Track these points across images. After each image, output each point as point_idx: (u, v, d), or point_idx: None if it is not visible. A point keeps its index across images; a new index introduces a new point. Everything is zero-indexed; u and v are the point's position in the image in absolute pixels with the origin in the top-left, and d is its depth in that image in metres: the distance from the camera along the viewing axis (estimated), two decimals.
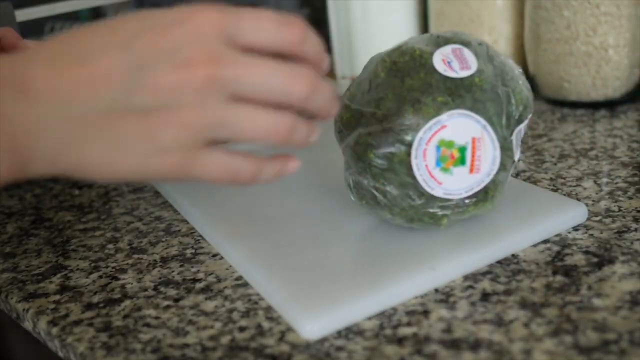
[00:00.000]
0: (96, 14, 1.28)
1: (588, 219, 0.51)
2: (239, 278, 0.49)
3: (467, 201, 0.47)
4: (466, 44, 0.48)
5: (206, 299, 0.47)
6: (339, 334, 0.42)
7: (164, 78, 0.31)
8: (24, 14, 0.74)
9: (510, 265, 0.47)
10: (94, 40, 0.31)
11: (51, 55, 0.31)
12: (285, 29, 0.34)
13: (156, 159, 0.33)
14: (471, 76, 0.46)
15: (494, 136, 0.46)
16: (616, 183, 0.57)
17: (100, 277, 0.52)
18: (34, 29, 1.17)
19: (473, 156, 0.45)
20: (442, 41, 0.48)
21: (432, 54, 0.46)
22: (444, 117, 0.44)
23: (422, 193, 0.46)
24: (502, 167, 0.47)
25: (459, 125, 0.45)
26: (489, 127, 0.45)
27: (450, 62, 0.46)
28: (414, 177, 0.45)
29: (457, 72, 0.46)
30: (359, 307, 0.43)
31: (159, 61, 0.31)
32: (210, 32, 0.32)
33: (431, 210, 0.46)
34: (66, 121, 0.31)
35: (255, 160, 0.36)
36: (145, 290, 0.49)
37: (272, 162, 0.38)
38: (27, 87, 0.30)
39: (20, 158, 0.31)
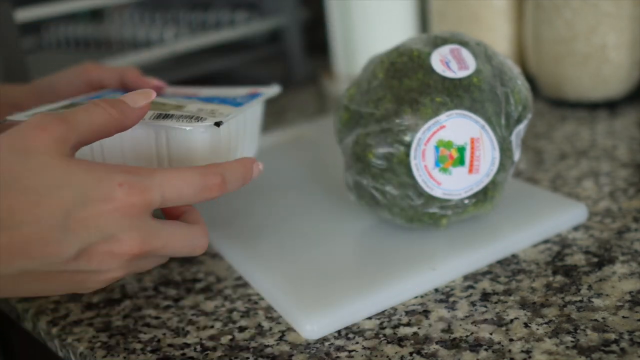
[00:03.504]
0: (96, 14, 1.28)
1: (588, 219, 0.52)
2: (239, 278, 0.49)
3: (466, 201, 0.47)
4: (464, 44, 0.48)
5: (206, 299, 0.47)
6: (339, 334, 0.42)
7: (100, 249, 0.35)
8: (23, 14, 0.74)
9: (510, 265, 0.47)
10: (27, 210, 0.34)
11: None
12: (206, 193, 0.38)
13: (84, 289, 0.38)
14: (469, 76, 0.46)
15: (492, 136, 0.46)
16: (616, 183, 0.57)
17: None
18: (34, 29, 1.17)
19: (472, 156, 0.45)
20: (440, 41, 0.48)
21: (430, 54, 0.47)
22: (443, 117, 0.44)
23: (422, 193, 0.46)
24: (502, 167, 0.47)
25: (458, 126, 0.45)
26: (487, 128, 0.45)
27: (448, 63, 0.46)
28: (413, 178, 0.45)
29: (455, 72, 0.46)
30: (359, 307, 0.43)
31: (93, 238, 0.35)
32: (138, 211, 0.36)
33: (431, 211, 0.47)
34: (4, 281, 0.35)
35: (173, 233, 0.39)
36: (145, 290, 0.49)
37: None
38: None
39: None
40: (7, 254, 0.34)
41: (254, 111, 0.52)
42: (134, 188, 0.36)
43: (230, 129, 0.46)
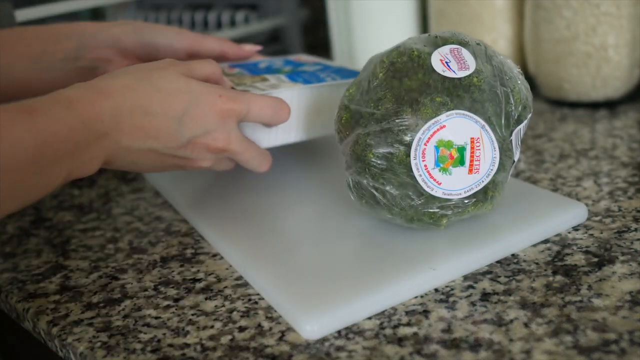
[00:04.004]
0: (96, 14, 1.28)
1: (588, 219, 0.51)
2: (239, 278, 0.49)
3: (466, 201, 0.47)
4: (464, 44, 0.48)
5: (206, 299, 0.47)
6: (339, 334, 0.42)
7: (201, 141, 0.50)
8: (24, 14, 0.74)
9: (510, 265, 0.47)
10: (159, 104, 0.48)
11: (131, 109, 0.47)
12: (279, 117, 0.54)
13: (181, 169, 0.53)
14: (469, 76, 0.46)
15: (492, 136, 0.46)
16: (616, 183, 0.57)
17: (100, 277, 0.52)
18: None
19: (472, 156, 0.45)
20: (440, 41, 0.48)
21: (430, 54, 0.46)
22: (443, 117, 0.44)
23: (422, 193, 0.46)
24: (502, 167, 0.47)
25: (458, 126, 0.45)
26: (487, 128, 0.45)
27: (448, 63, 0.46)
28: (413, 177, 0.45)
29: (456, 72, 0.46)
30: (359, 307, 0.43)
31: (199, 132, 0.50)
32: (229, 118, 0.51)
33: (431, 210, 0.47)
34: (137, 153, 0.48)
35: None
36: (145, 290, 0.49)
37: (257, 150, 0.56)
38: (120, 134, 0.46)
39: (105, 164, 0.48)
40: (144, 134, 0.47)
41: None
42: (229, 98, 0.50)
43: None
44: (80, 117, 0.44)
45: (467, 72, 0.46)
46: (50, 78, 0.61)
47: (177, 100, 0.48)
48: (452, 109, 0.45)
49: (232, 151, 0.52)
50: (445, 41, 0.48)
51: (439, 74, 0.46)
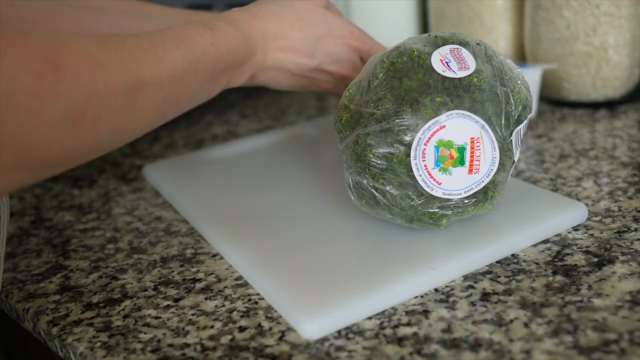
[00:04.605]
0: None
1: (588, 219, 0.51)
2: (239, 278, 0.49)
3: (466, 201, 0.47)
4: (464, 44, 0.48)
5: (206, 299, 0.47)
6: (339, 334, 0.42)
7: (329, 67, 0.59)
8: None
9: (510, 265, 0.47)
10: (298, 30, 0.56)
11: (274, 32, 0.55)
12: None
13: (314, 88, 0.62)
14: (469, 76, 0.46)
15: (492, 136, 0.46)
16: (616, 183, 0.57)
17: (100, 277, 0.52)
18: None
19: (472, 156, 0.45)
20: (440, 41, 0.48)
21: (430, 54, 0.47)
22: (443, 117, 0.44)
23: (422, 193, 0.46)
24: (502, 167, 0.47)
25: (458, 126, 0.45)
26: (487, 128, 0.45)
27: (448, 63, 0.46)
28: (413, 177, 0.45)
29: (456, 72, 0.46)
30: (359, 307, 0.43)
31: (328, 58, 0.58)
32: (355, 52, 0.59)
33: (431, 210, 0.46)
34: (277, 70, 0.57)
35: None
36: (145, 290, 0.49)
37: None
38: (265, 52, 0.55)
39: (250, 78, 0.56)
40: (284, 55, 0.56)
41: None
42: (358, 36, 0.59)
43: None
44: (243, 34, 0.52)
45: (467, 72, 0.46)
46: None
47: (314, 28, 0.56)
48: (452, 109, 0.45)
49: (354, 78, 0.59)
50: (445, 41, 0.48)
51: (439, 74, 0.46)
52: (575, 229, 0.50)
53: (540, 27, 0.74)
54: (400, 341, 0.40)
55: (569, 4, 0.71)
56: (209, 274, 0.50)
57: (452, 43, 0.47)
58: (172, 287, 0.49)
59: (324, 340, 0.41)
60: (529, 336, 0.39)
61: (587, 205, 0.53)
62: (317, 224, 0.53)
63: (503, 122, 0.46)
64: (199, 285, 0.49)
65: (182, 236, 0.56)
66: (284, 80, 0.58)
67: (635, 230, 0.49)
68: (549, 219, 0.50)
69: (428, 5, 0.87)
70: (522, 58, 0.82)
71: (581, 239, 0.49)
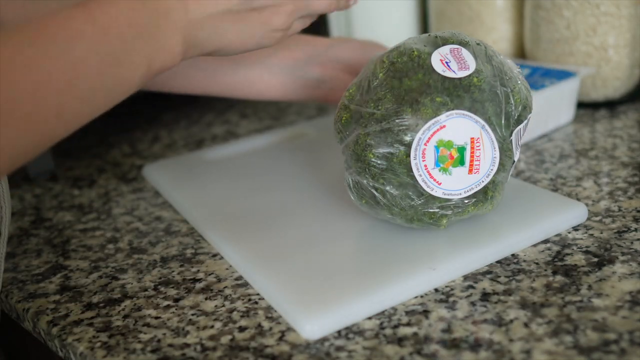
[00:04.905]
0: None
1: (588, 219, 0.51)
2: (239, 278, 0.49)
3: (466, 201, 0.47)
4: (464, 44, 0.48)
5: (206, 299, 0.47)
6: (339, 334, 0.42)
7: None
8: None
9: (510, 265, 0.47)
10: None
11: None
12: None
13: (268, 37, 0.49)
14: (469, 76, 0.46)
15: (492, 136, 0.46)
16: (616, 183, 0.57)
17: (100, 277, 0.52)
18: None
19: (472, 156, 0.45)
20: (440, 41, 0.48)
21: (430, 54, 0.46)
22: (443, 117, 0.44)
23: (422, 193, 0.46)
24: (502, 167, 0.47)
25: (458, 126, 0.45)
26: (487, 128, 0.45)
27: (448, 63, 0.46)
28: (413, 178, 0.45)
29: (456, 72, 0.46)
30: (359, 307, 0.43)
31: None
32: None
33: (431, 210, 0.47)
34: (212, 18, 0.46)
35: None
36: (145, 290, 0.49)
37: None
38: (186, 3, 0.44)
39: (186, 47, 0.46)
40: None
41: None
42: None
43: None
44: None
45: (467, 72, 0.46)
46: (277, 82, 0.65)
47: None
48: (452, 109, 0.45)
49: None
50: (445, 41, 0.48)
51: (439, 74, 0.46)
52: (575, 229, 0.50)
53: (540, 27, 0.74)
54: (400, 341, 0.40)
55: (569, 4, 0.71)
56: (209, 274, 0.50)
57: (452, 43, 0.47)
58: (172, 287, 0.49)
59: (324, 340, 0.41)
60: (529, 336, 0.39)
61: (587, 205, 0.53)
62: (317, 224, 0.53)
63: (503, 122, 0.46)
64: (199, 285, 0.49)
65: (182, 236, 0.56)
66: (233, 31, 0.47)
67: (635, 230, 0.49)
68: (549, 219, 0.50)
69: (428, 5, 0.87)
70: (522, 58, 0.82)
71: (581, 239, 0.49)
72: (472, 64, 0.46)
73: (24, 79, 0.36)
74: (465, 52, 0.47)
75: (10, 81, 0.36)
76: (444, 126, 0.44)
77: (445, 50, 0.47)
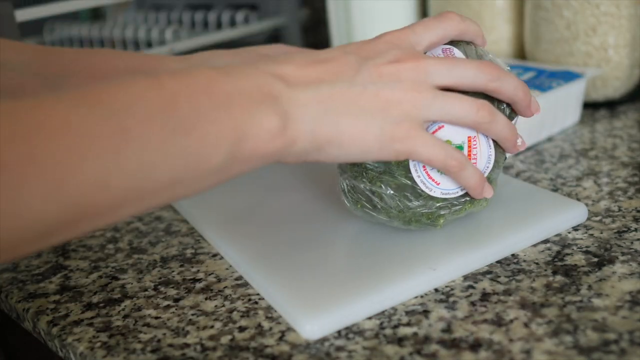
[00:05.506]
0: (96, 14, 1.28)
1: (588, 219, 0.51)
2: (239, 278, 0.49)
3: (462, 199, 0.47)
4: (455, 43, 0.48)
5: (206, 299, 0.47)
6: (339, 334, 0.42)
7: (384, 67, 0.41)
8: (24, 14, 0.74)
9: (510, 265, 0.47)
10: (319, 53, 0.41)
11: (294, 62, 0.40)
12: (446, 21, 0.45)
13: (389, 129, 0.41)
14: None
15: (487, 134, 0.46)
16: (616, 183, 0.57)
17: (100, 277, 0.52)
18: (34, 29, 1.17)
19: (469, 155, 0.45)
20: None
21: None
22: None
23: (420, 194, 0.46)
24: (496, 164, 0.47)
25: (455, 125, 0.45)
26: None
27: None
28: (411, 179, 0.45)
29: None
30: (359, 307, 0.43)
31: (376, 58, 0.41)
32: (403, 42, 0.43)
33: (428, 211, 0.46)
34: (319, 98, 0.39)
35: (464, 155, 0.44)
36: (145, 290, 0.49)
37: (476, 168, 0.45)
38: (286, 77, 0.39)
39: (294, 133, 0.39)
40: (315, 74, 0.40)
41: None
42: (389, 32, 0.44)
43: None
44: (221, 70, 0.37)
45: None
46: None
47: (334, 49, 0.42)
48: None
49: (431, 67, 0.42)
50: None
51: None
52: (575, 229, 0.50)
53: (540, 27, 0.74)
54: (400, 341, 0.40)
55: (569, 4, 0.71)
56: (209, 274, 0.50)
57: (443, 43, 0.47)
58: (172, 287, 0.49)
59: (324, 340, 0.41)
60: (529, 336, 0.39)
61: (587, 205, 0.53)
62: (318, 224, 0.53)
63: None
64: (199, 285, 0.49)
65: (182, 236, 0.56)
66: (347, 115, 0.40)
67: (635, 230, 0.49)
68: (549, 219, 0.50)
69: (428, 5, 0.87)
70: (522, 58, 0.82)
71: (581, 239, 0.49)
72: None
73: (57, 139, 0.31)
74: (457, 52, 0.47)
75: (44, 139, 0.31)
76: (442, 126, 0.44)
77: (437, 50, 0.47)
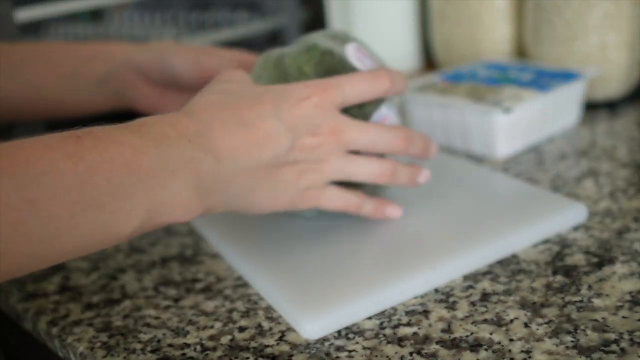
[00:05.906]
0: (96, 14, 1.28)
1: (588, 219, 0.51)
2: (239, 278, 0.49)
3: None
4: (356, 40, 0.50)
5: (206, 299, 0.47)
6: (339, 334, 0.42)
7: (306, 140, 0.44)
8: (23, 14, 0.74)
9: (510, 265, 0.47)
10: (250, 109, 0.42)
11: (223, 122, 0.41)
12: (376, 82, 0.46)
13: (300, 196, 0.45)
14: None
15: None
16: (616, 183, 0.57)
17: (100, 277, 0.52)
18: (34, 29, 1.17)
19: None
20: (341, 39, 0.50)
21: (343, 52, 0.49)
22: (384, 109, 0.48)
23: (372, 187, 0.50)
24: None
25: (393, 114, 0.49)
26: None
27: (362, 59, 0.49)
28: None
29: (371, 67, 0.49)
30: (359, 307, 0.43)
31: (302, 128, 0.43)
32: (330, 106, 0.44)
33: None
34: (243, 174, 0.42)
35: (360, 194, 0.48)
36: (145, 290, 0.49)
37: (371, 199, 0.49)
38: (216, 152, 0.40)
39: (210, 205, 0.41)
40: (245, 146, 0.41)
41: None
42: (318, 85, 0.44)
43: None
44: (152, 138, 0.37)
45: (378, 66, 0.50)
46: (82, 98, 0.60)
47: (264, 99, 0.43)
48: (388, 102, 0.49)
49: (348, 137, 0.45)
50: (345, 39, 0.50)
51: (361, 70, 0.48)
52: (575, 229, 0.50)
53: (540, 27, 0.74)
54: (400, 341, 0.40)
55: (569, 4, 0.71)
56: (209, 274, 0.50)
57: (351, 41, 0.50)
58: (172, 287, 0.49)
59: (324, 340, 0.41)
60: (529, 336, 0.39)
61: (587, 205, 0.53)
62: (317, 224, 0.53)
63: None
64: (198, 285, 0.49)
65: (182, 236, 0.56)
66: (266, 188, 0.43)
67: (635, 230, 0.49)
68: (549, 219, 0.50)
69: (428, 5, 0.87)
70: (522, 58, 0.82)
71: (581, 239, 0.49)
72: (376, 58, 0.50)
73: None
74: (366, 48, 0.50)
75: None
76: (390, 115, 0.49)
77: (353, 48, 0.49)
